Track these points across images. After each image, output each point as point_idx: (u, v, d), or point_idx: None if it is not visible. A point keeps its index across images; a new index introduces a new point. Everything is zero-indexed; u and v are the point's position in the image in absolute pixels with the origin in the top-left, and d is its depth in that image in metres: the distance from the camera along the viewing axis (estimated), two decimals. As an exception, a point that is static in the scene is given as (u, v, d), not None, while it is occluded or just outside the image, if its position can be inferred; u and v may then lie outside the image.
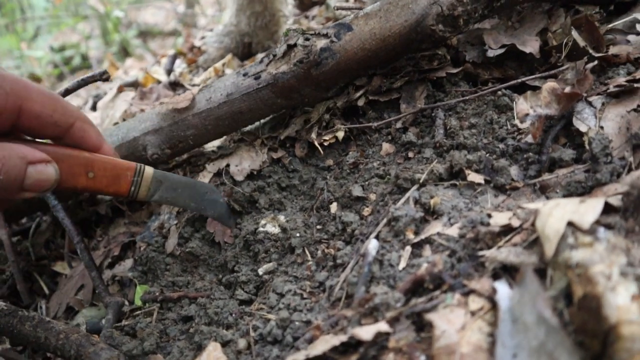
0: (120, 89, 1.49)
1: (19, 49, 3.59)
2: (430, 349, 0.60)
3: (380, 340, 0.63)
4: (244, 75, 1.05)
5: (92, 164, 0.83)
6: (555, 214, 0.62)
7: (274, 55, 1.02)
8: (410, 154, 0.97)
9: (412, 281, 0.67)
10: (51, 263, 1.30)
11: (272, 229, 0.92)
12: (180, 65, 1.67)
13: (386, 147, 1.01)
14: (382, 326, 0.61)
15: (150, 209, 1.21)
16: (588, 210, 0.60)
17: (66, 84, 1.07)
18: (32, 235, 1.35)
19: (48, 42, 4.55)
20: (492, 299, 0.61)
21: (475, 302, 0.61)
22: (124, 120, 1.35)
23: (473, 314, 0.60)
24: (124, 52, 3.97)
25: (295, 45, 0.99)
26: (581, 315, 0.53)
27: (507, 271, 0.65)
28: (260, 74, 1.03)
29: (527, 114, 0.78)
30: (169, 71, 1.54)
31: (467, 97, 0.97)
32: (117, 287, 1.11)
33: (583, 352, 0.50)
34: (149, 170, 0.91)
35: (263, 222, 0.95)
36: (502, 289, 0.60)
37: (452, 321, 0.59)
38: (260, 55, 1.54)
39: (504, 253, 0.64)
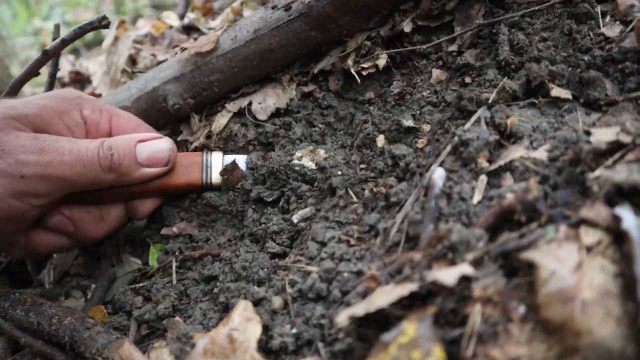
0: (120, 25, 1.34)
1: (29, 18, 3.46)
2: (532, 296, 0.45)
3: (460, 289, 0.48)
4: (273, 8, 0.90)
5: None
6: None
7: (307, -17, 0.87)
8: (468, 79, 0.81)
9: (496, 214, 0.52)
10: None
11: (309, 163, 0.77)
12: (195, 14, 1.53)
13: (437, 73, 0.85)
14: (466, 268, 0.46)
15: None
16: None
17: (63, 34, 0.91)
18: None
19: (61, 19, 4.42)
20: (611, 230, 0.46)
21: (589, 235, 0.46)
22: (129, 67, 1.20)
23: (589, 249, 0.45)
24: (137, 20, 3.82)
25: (331, -33, 0.83)
26: None
27: (624, 196, 0.49)
28: (291, 4, 0.88)
29: (632, 5, 0.61)
30: (182, 15, 1.40)
31: (536, 8, 0.80)
32: (130, 248, 0.98)
33: None
34: (216, 154, 0.88)
35: (298, 154, 0.80)
36: (628, 216, 0.45)
37: (563, 259, 0.44)
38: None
39: (624, 172, 0.49)
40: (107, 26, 0.94)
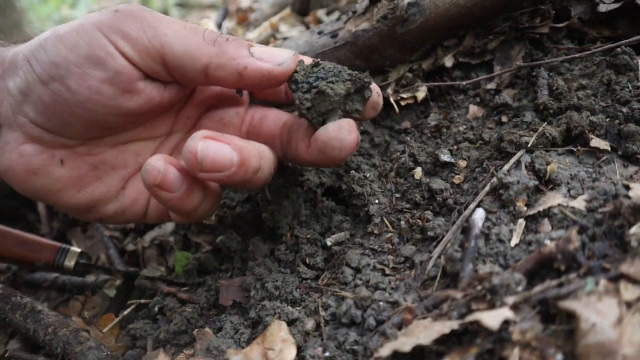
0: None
1: (59, 9, 3.51)
2: (570, 345, 0.47)
3: (498, 330, 0.50)
4: (319, 33, 0.93)
5: None
6: None
7: (354, 12, 0.91)
8: (505, 119, 0.83)
9: (536, 260, 0.54)
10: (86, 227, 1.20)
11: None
12: (231, 22, 1.56)
13: (474, 110, 0.88)
14: (508, 313, 0.48)
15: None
16: None
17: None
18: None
19: (89, 8, 4.48)
20: (651, 288, 0.48)
21: (629, 291, 0.48)
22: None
23: (629, 305, 0.47)
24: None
25: (379, 0, 0.86)
26: None
27: (663, 255, 0.51)
28: (337, 32, 0.91)
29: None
30: (220, 25, 1.42)
31: (577, 56, 0.82)
32: (157, 252, 1.00)
33: None
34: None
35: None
36: (668, 275, 0.47)
37: (604, 313, 0.46)
38: (321, 12, 1.41)
39: (664, 231, 0.51)
40: None
